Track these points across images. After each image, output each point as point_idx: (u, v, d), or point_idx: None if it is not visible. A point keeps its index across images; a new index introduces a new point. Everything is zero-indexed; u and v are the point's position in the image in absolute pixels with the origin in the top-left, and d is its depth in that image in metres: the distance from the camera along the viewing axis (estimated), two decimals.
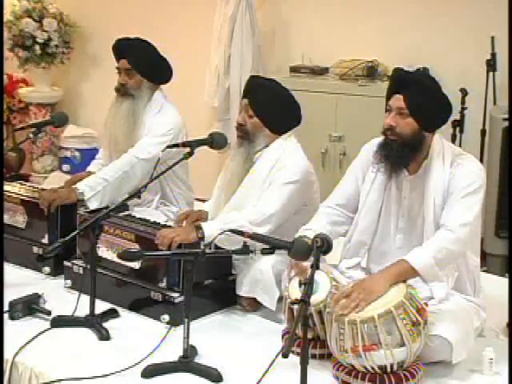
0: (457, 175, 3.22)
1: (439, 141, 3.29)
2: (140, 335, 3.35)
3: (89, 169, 4.51)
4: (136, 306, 3.57)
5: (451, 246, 3.11)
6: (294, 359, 2.64)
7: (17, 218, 4.09)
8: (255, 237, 3.09)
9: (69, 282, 3.79)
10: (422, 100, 3.17)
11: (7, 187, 4.19)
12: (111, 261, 3.66)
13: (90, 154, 4.72)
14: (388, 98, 3.26)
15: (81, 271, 3.71)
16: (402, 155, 3.22)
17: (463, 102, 5.18)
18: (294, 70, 5.78)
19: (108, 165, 4.32)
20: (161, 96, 4.35)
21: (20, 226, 4.08)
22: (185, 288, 3.15)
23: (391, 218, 3.35)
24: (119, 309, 3.56)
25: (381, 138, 3.31)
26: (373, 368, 2.89)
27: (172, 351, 3.10)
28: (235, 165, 3.76)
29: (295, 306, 3.04)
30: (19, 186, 4.27)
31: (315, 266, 2.76)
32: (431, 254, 3.07)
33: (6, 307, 3.41)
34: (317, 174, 3.83)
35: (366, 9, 5.71)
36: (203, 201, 4.20)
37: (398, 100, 3.19)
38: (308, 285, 2.65)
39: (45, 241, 3.97)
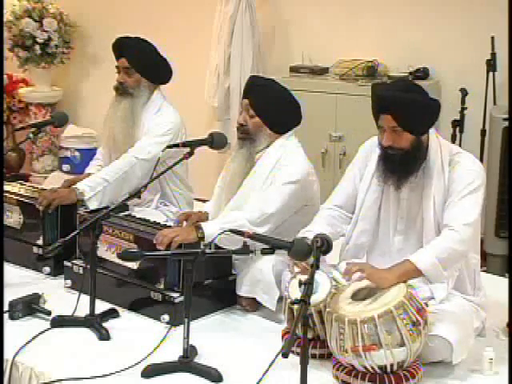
0: (456, 174, 3.21)
1: (435, 139, 3.28)
2: (140, 335, 3.35)
3: (88, 171, 4.50)
4: (136, 306, 3.56)
5: (456, 246, 3.10)
6: (294, 359, 2.64)
7: (13, 219, 4.08)
8: (255, 237, 3.09)
9: (69, 281, 3.79)
10: (410, 115, 3.14)
11: (7, 187, 4.18)
12: (111, 261, 3.66)
13: (89, 154, 4.72)
14: (375, 116, 3.24)
15: (81, 271, 3.71)
16: (406, 167, 3.21)
17: (463, 102, 5.18)
18: (294, 69, 5.78)
19: (107, 164, 4.32)
20: (159, 96, 4.35)
21: (16, 227, 4.08)
22: (185, 288, 3.15)
23: (390, 219, 3.35)
24: (119, 309, 3.56)
25: (379, 150, 3.29)
26: (373, 368, 2.89)
27: (172, 351, 3.10)
28: (236, 165, 3.76)
29: (295, 306, 3.04)
30: (19, 186, 4.27)
31: (315, 266, 2.76)
32: (435, 254, 3.06)
33: (6, 307, 3.41)
34: (317, 173, 3.82)
35: (366, 9, 5.71)
36: (203, 201, 4.20)
37: (388, 120, 3.17)
38: (308, 285, 2.64)
39: (39, 242, 3.97)
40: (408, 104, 3.15)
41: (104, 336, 3.31)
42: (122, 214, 3.79)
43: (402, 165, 3.21)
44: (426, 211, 3.24)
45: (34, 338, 3.26)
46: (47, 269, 3.94)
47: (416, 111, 3.16)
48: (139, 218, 3.78)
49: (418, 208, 3.28)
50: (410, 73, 5.42)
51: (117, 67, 4.34)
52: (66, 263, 3.80)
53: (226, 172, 3.85)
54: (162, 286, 3.47)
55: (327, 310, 3.02)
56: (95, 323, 3.36)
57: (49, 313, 3.46)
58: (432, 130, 3.28)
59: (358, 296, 3.03)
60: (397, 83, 3.34)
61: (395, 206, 3.34)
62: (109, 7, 6.80)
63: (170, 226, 3.70)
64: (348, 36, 5.79)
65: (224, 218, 3.58)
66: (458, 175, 3.21)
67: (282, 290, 3.41)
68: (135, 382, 2.99)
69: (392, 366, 2.89)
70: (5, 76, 6.70)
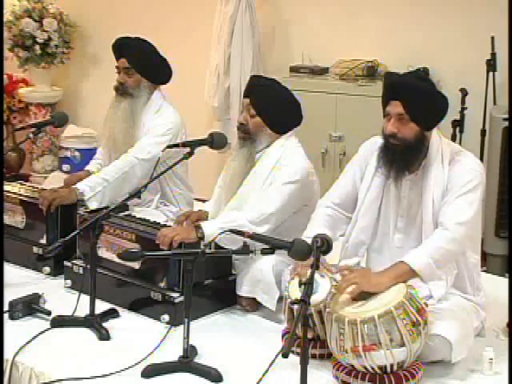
0: (455, 173, 3.21)
1: (437, 138, 3.29)
2: (140, 335, 3.35)
3: (87, 168, 4.51)
4: (136, 306, 3.57)
5: (448, 246, 3.10)
6: (294, 359, 2.64)
7: (16, 219, 4.09)
8: (255, 237, 3.09)
9: (69, 281, 3.79)
10: (420, 103, 3.16)
11: (7, 187, 4.18)
12: (111, 261, 3.66)
13: (89, 154, 4.72)
14: (384, 103, 3.25)
15: (81, 271, 3.71)
16: (406, 158, 3.22)
17: (463, 102, 5.18)
18: (294, 69, 5.78)
19: (107, 164, 4.32)
20: (159, 96, 4.35)
21: (19, 227, 4.08)
22: (185, 288, 3.15)
23: (390, 217, 3.35)
24: (119, 309, 3.56)
25: (380, 141, 3.30)
26: (373, 368, 2.89)
27: (172, 351, 3.10)
28: (237, 165, 3.76)
29: (295, 306, 3.04)
30: (19, 186, 4.27)
31: (315, 266, 2.76)
32: (429, 254, 3.07)
33: (6, 307, 3.42)
34: (317, 173, 3.83)
35: (366, 9, 5.71)
36: (203, 201, 4.20)
37: (396, 106, 3.18)
38: (308, 285, 2.64)
39: (43, 241, 3.97)
40: (420, 92, 3.18)
41: (104, 336, 3.31)
42: (122, 214, 3.79)
43: (402, 155, 3.21)
44: (425, 210, 3.24)
45: (34, 338, 3.26)
46: (47, 269, 3.94)
47: (426, 101, 3.17)
48: (139, 218, 3.78)
49: (418, 206, 3.29)
50: (410, 73, 5.42)
51: (117, 67, 4.34)
52: (66, 263, 3.81)
53: (226, 172, 3.85)
54: (163, 286, 3.47)
55: (327, 310, 3.02)
56: (95, 323, 3.36)
57: (49, 313, 3.46)
58: (436, 130, 3.28)
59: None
60: (411, 73, 3.37)
61: (395, 204, 3.34)
62: (109, 7, 6.79)
63: (170, 226, 3.69)
64: (348, 36, 5.79)
65: (224, 218, 3.58)
66: (457, 174, 3.21)
67: (282, 289, 3.41)
68: (135, 382, 2.99)
69: (392, 366, 2.89)
70: (5, 76, 6.69)
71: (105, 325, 3.37)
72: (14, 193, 4.14)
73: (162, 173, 3.77)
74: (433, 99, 3.21)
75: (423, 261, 3.06)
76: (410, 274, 3.06)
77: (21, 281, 3.85)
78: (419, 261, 3.06)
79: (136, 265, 3.58)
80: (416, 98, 3.16)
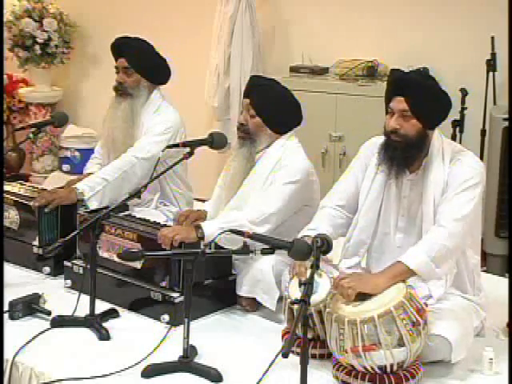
0: (454, 171, 3.21)
1: (439, 137, 3.29)
2: (140, 335, 3.35)
3: (88, 170, 4.49)
4: (136, 306, 3.57)
5: (443, 241, 3.09)
6: (294, 359, 2.64)
7: (11, 219, 4.07)
8: (255, 237, 3.09)
9: (69, 281, 3.79)
10: (424, 100, 3.17)
11: (7, 187, 4.18)
12: (111, 261, 3.66)
13: (89, 154, 4.72)
14: (388, 100, 3.26)
15: (81, 271, 3.71)
16: (407, 156, 3.22)
17: (463, 102, 5.18)
18: (294, 69, 5.79)
19: (106, 164, 4.32)
20: (158, 96, 4.35)
21: (13, 227, 4.07)
22: (185, 288, 3.15)
23: (391, 217, 3.35)
24: (119, 309, 3.56)
25: (382, 139, 3.31)
26: (373, 368, 2.89)
27: (172, 351, 3.10)
28: (237, 165, 3.76)
29: (295, 306, 3.04)
30: (19, 186, 4.27)
31: (315, 266, 2.76)
32: (426, 252, 3.06)
33: (6, 307, 3.41)
34: (317, 173, 3.83)
35: (366, 9, 5.71)
36: (203, 201, 4.20)
37: (400, 102, 3.18)
38: (308, 285, 2.65)
39: (36, 243, 3.96)
40: (425, 88, 3.19)
41: (104, 336, 3.31)
42: (122, 214, 3.79)
43: (403, 153, 3.21)
44: (425, 209, 3.24)
45: (34, 338, 3.26)
46: (47, 269, 3.94)
47: (430, 98, 3.18)
48: (139, 218, 3.78)
49: (419, 206, 3.29)
50: (415, 71, 5.42)
51: (116, 67, 4.34)
52: (66, 263, 3.81)
53: (226, 171, 3.85)
54: (163, 286, 3.47)
55: (327, 310, 3.02)
56: (95, 323, 3.36)
57: (49, 313, 3.46)
58: (437, 131, 3.29)
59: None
60: (416, 70, 3.39)
61: (396, 204, 3.34)
62: (109, 7, 6.80)
63: (170, 226, 3.69)
64: (348, 36, 5.79)
65: (224, 218, 3.58)
66: (457, 172, 3.21)
67: (282, 289, 3.41)
68: (135, 382, 2.99)
69: (392, 366, 2.89)
70: (5, 76, 6.69)
71: (105, 325, 3.37)
72: (9, 193, 4.09)
73: (162, 173, 3.77)
74: (437, 98, 3.22)
75: (420, 259, 3.05)
76: (408, 273, 3.05)
77: (21, 281, 3.84)
78: (415, 259, 3.06)
79: (137, 265, 3.58)
80: (420, 95, 3.17)
